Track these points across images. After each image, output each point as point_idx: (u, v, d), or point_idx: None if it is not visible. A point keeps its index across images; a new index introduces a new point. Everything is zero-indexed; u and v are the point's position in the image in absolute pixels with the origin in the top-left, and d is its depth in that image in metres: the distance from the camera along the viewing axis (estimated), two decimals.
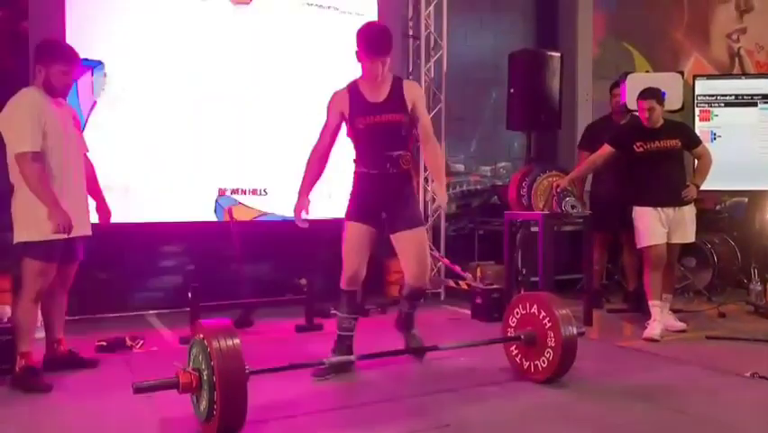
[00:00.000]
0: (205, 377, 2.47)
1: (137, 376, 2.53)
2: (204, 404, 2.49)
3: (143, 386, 2.45)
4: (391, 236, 3.37)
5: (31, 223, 3.13)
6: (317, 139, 3.35)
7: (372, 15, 5.53)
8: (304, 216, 3.30)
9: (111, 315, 4.78)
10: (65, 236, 3.13)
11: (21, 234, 3.17)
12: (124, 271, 5.00)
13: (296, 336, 4.29)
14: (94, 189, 3.57)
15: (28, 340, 3.21)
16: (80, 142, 3.45)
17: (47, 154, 3.14)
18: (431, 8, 5.89)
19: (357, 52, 3.19)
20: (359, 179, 3.35)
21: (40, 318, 3.51)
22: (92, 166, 3.59)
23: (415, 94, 3.33)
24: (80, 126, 3.48)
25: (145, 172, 4.83)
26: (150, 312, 4.95)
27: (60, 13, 4.54)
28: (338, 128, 3.33)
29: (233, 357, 2.43)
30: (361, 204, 3.31)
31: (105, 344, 3.91)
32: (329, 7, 5.45)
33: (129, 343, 3.97)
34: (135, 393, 2.44)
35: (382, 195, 3.29)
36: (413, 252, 3.32)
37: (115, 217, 4.71)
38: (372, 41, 3.15)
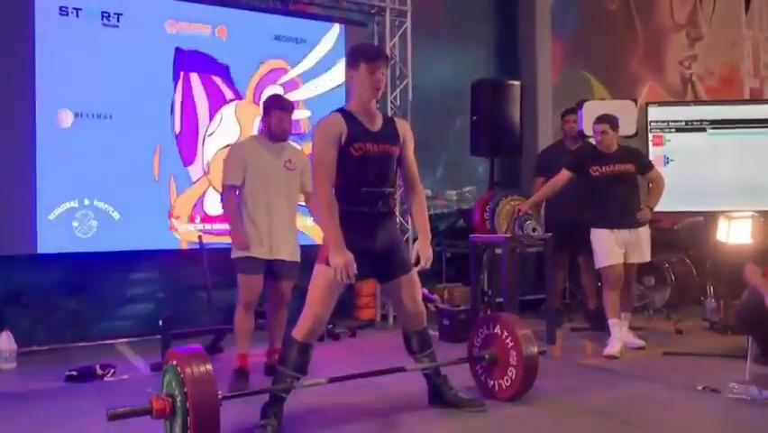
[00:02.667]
0: (178, 403, 2.53)
1: (109, 404, 2.56)
2: (177, 430, 2.54)
3: (118, 413, 2.50)
4: (383, 285, 3.18)
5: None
6: (319, 179, 2.89)
7: (340, 47, 5.71)
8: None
9: (81, 344, 4.77)
10: (258, 255, 3.70)
11: (233, 252, 3.78)
12: (94, 300, 4.99)
13: (266, 362, 4.33)
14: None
15: (241, 344, 3.77)
16: (296, 180, 3.91)
17: (248, 187, 3.75)
18: (396, 39, 6.08)
19: (352, 69, 2.96)
20: (343, 219, 2.88)
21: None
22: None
23: (406, 129, 3.13)
24: (297, 167, 3.89)
25: (115, 200, 4.88)
26: (121, 340, 4.94)
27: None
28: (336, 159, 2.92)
29: (206, 383, 2.50)
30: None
31: (75, 373, 3.91)
32: (297, 40, 5.60)
33: (99, 372, 3.96)
34: (110, 420, 2.48)
35: (372, 239, 2.96)
36: (413, 295, 3.12)
37: (85, 246, 4.79)
38: (370, 47, 3.23)
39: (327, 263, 2.86)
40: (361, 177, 2.93)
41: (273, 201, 3.78)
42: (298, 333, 2.91)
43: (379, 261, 3.01)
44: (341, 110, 3.01)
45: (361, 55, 2.95)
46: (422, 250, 3.07)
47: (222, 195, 3.93)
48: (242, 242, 3.71)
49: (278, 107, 3.82)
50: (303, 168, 3.93)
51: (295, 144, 4.08)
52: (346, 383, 3.08)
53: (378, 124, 3.01)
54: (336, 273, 2.81)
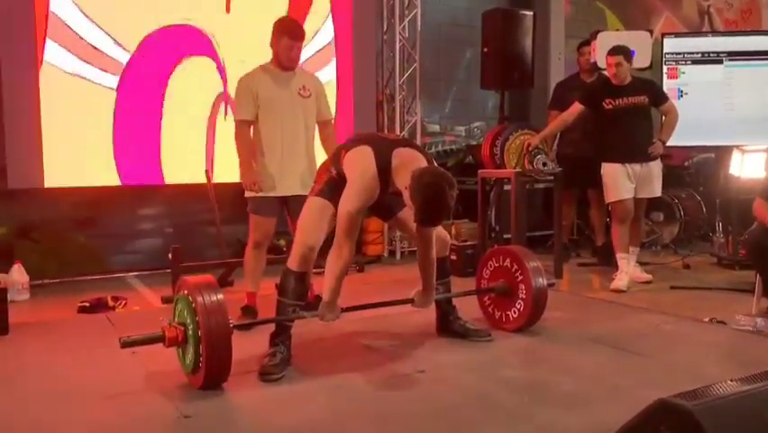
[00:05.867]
0: (190, 331, 2.56)
1: (121, 334, 2.61)
2: (190, 357, 2.59)
3: (130, 340, 2.54)
4: (390, 222, 3.24)
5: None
6: (346, 236, 2.71)
7: None
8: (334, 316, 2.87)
9: (91, 277, 4.82)
10: (270, 194, 3.55)
11: (246, 191, 3.61)
12: (104, 234, 5.02)
13: (275, 294, 4.38)
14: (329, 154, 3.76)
15: (249, 282, 3.69)
16: (312, 108, 3.68)
17: (260, 120, 3.55)
18: None
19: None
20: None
21: None
22: (333, 131, 3.84)
23: None
24: (312, 93, 3.67)
25: (125, 135, 4.84)
26: (131, 274, 5.00)
27: None
28: None
29: (218, 311, 2.52)
30: (334, 186, 2.87)
31: (87, 304, 3.98)
32: None
33: (111, 303, 4.03)
34: (122, 347, 2.53)
35: None
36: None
37: (94, 180, 4.80)
38: None
39: (319, 195, 2.91)
40: None
41: (288, 134, 3.57)
42: (292, 262, 2.91)
43: (376, 202, 2.91)
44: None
45: None
46: (418, 300, 3.04)
47: (234, 130, 3.63)
48: (250, 181, 3.53)
49: (288, 34, 3.54)
50: (318, 92, 3.71)
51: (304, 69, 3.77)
52: (355, 314, 3.10)
53: None
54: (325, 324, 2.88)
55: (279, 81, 3.58)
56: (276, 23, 3.63)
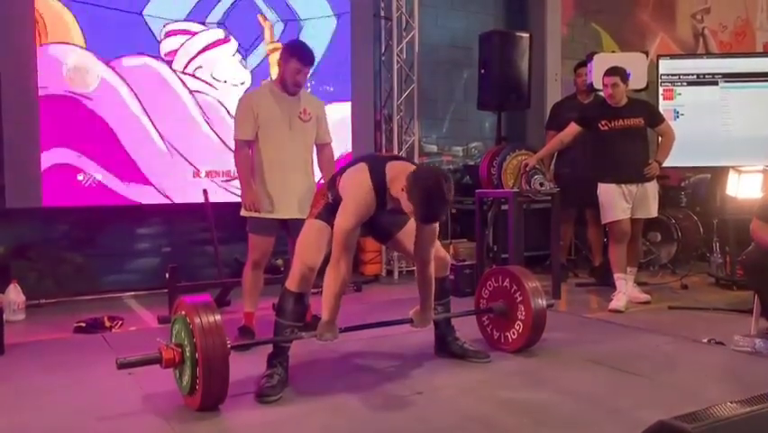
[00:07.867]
0: (187, 353, 2.55)
1: (118, 355, 2.59)
2: (186, 379, 2.57)
3: (127, 361, 2.52)
4: (387, 244, 3.19)
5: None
6: (343, 253, 2.71)
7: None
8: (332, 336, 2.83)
9: (88, 297, 4.80)
10: (268, 215, 3.54)
11: (242, 210, 3.62)
12: (101, 254, 5.02)
13: (272, 315, 4.35)
14: (325, 176, 3.74)
15: (247, 302, 3.66)
16: (311, 132, 3.68)
17: (260, 141, 3.55)
18: None
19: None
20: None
21: None
22: (331, 154, 3.86)
23: None
24: (313, 116, 3.66)
25: (122, 154, 4.85)
26: (127, 294, 4.97)
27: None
28: None
29: (215, 333, 2.50)
30: (331, 211, 2.83)
31: (83, 325, 3.95)
32: None
33: (107, 323, 4.01)
34: (119, 368, 2.50)
35: None
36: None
37: (92, 200, 4.79)
38: None
39: (317, 218, 2.90)
40: None
41: (287, 157, 3.57)
42: (291, 283, 2.89)
43: (373, 224, 2.91)
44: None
45: None
46: (417, 319, 3.04)
47: (234, 150, 3.66)
48: (250, 202, 3.54)
49: (297, 57, 3.52)
50: (318, 115, 3.71)
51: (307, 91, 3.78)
52: (352, 334, 3.09)
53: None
54: (323, 343, 2.87)
55: (281, 103, 3.58)
56: (286, 44, 3.67)
